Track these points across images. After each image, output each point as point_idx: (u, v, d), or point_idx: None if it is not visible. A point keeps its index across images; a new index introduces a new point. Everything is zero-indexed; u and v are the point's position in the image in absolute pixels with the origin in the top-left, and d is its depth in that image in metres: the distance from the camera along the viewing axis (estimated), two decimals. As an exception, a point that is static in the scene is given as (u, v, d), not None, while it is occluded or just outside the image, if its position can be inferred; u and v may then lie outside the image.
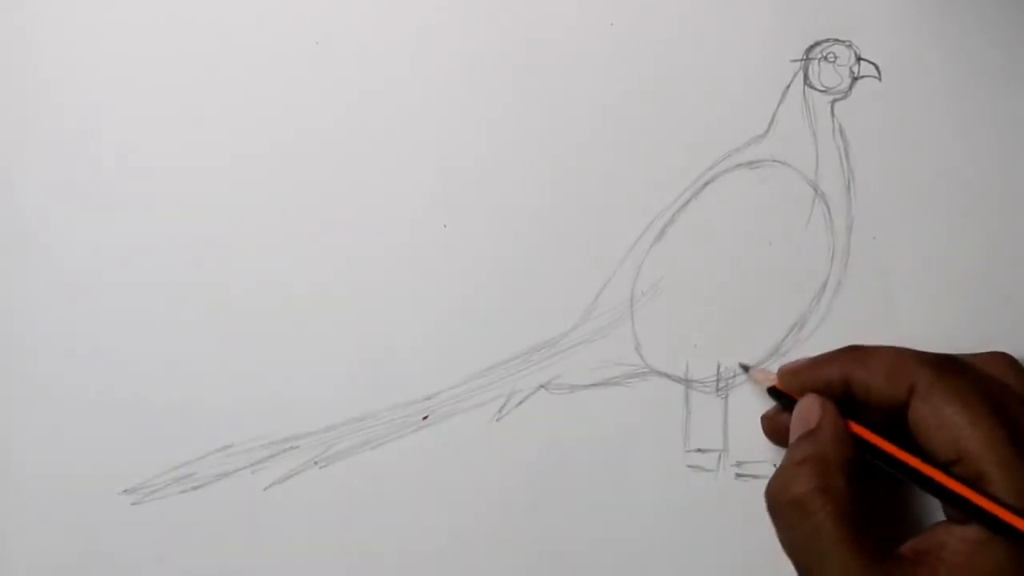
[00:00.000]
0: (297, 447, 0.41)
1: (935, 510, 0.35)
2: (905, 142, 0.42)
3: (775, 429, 0.39)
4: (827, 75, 0.42)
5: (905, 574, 0.33)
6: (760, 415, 0.40)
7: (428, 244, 0.42)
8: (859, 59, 0.42)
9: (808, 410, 0.36)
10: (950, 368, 0.35)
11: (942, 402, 0.34)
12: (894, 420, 0.35)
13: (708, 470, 0.41)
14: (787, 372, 0.38)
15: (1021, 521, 0.32)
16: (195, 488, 0.41)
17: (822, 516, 0.33)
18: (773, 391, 0.38)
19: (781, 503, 0.34)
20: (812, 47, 0.42)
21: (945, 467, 0.34)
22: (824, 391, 0.36)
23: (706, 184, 0.42)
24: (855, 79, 0.42)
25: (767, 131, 0.42)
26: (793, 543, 0.34)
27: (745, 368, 0.40)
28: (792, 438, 0.36)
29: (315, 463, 0.41)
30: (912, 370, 0.34)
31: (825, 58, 0.42)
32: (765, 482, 0.40)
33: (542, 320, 0.41)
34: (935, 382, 0.34)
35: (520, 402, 0.41)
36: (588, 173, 0.42)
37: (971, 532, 0.33)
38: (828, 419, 0.35)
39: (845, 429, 0.35)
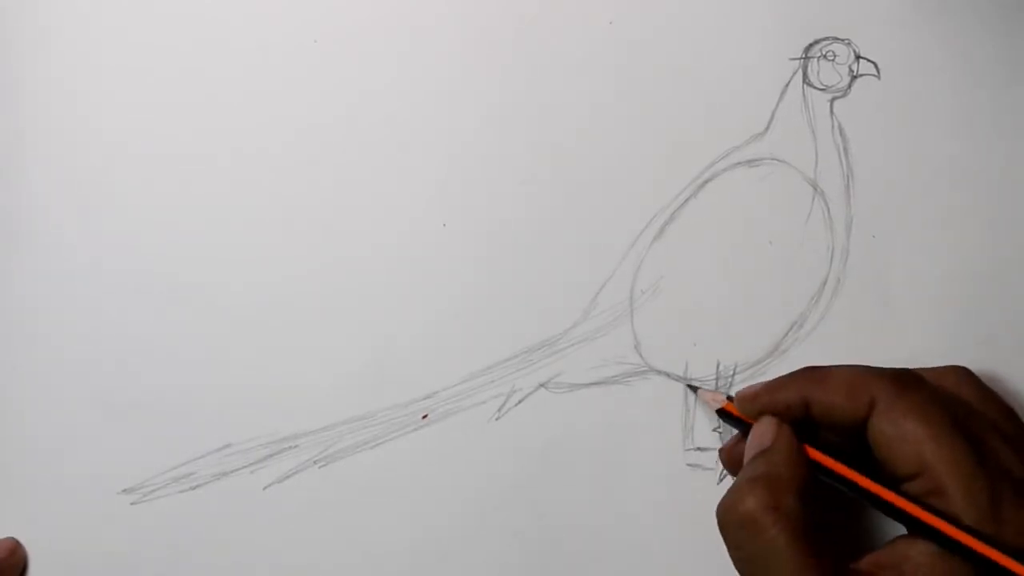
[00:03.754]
0: (296, 446, 0.41)
1: (898, 529, 0.35)
2: (904, 140, 0.42)
3: (733, 460, 0.38)
4: (826, 73, 0.42)
5: None
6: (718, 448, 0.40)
7: (427, 243, 0.42)
8: (858, 57, 0.42)
9: (763, 431, 0.35)
10: (909, 383, 0.34)
11: (902, 417, 0.33)
12: (855, 438, 0.35)
13: (708, 469, 0.41)
14: (745, 398, 0.37)
15: (974, 540, 0.31)
16: (194, 488, 0.41)
17: (774, 533, 0.32)
18: (722, 413, 0.38)
19: (731, 520, 0.33)
20: (811, 45, 0.42)
21: (899, 485, 0.33)
22: (784, 414, 0.36)
23: (705, 182, 0.42)
24: (854, 77, 0.42)
25: (766, 129, 0.42)
26: (744, 561, 0.33)
27: (694, 389, 0.40)
28: (746, 459, 0.35)
29: (314, 462, 0.41)
30: (871, 386, 0.34)
31: (824, 56, 0.42)
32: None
33: (542, 319, 0.41)
34: (895, 397, 0.34)
35: (520, 401, 0.41)
36: (587, 172, 0.42)
37: (933, 545, 0.32)
38: (782, 439, 0.35)
39: (799, 449, 0.35)
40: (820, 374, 0.36)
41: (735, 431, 0.38)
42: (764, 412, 0.36)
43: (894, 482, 0.34)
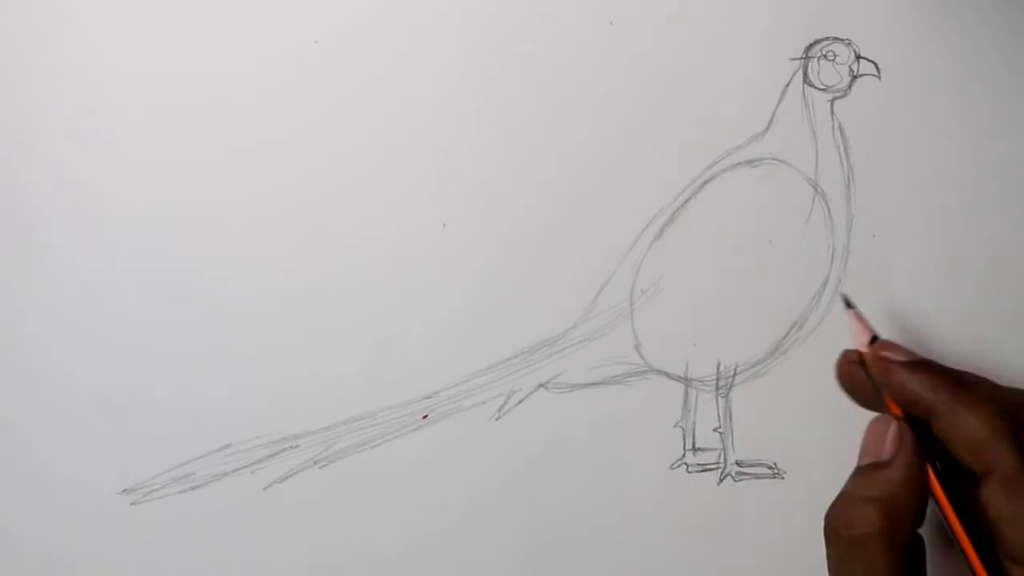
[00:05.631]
0: (297, 446, 0.41)
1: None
2: (905, 140, 0.42)
3: (851, 379, 0.37)
4: (827, 73, 0.42)
5: None
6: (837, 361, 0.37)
7: (427, 243, 0.42)
8: (859, 57, 0.42)
9: (883, 434, 0.34)
10: None
11: (1020, 508, 0.32)
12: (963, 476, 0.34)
13: (708, 469, 0.41)
14: (879, 357, 0.35)
15: None
16: (194, 488, 0.41)
17: (879, 561, 0.32)
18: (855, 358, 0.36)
19: (842, 536, 0.33)
20: (811, 45, 0.42)
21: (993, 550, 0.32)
22: (905, 406, 0.34)
23: (706, 183, 0.42)
24: (855, 77, 0.42)
25: (767, 129, 0.42)
26: (840, 570, 0.33)
27: (849, 304, 0.38)
28: (862, 458, 0.35)
29: (315, 462, 0.41)
30: (998, 454, 0.32)
31: (825, 56, 0.42)
32: (764, 482, 0.40)
33: (542, 319, 0.41)
34: (1017, 477, 0.32)
35: (520, 401, 0.41)
36: (588, 172, 0.42)
37: None
38: (903, 456, 0.34)
39: (919, 471, 0.33)
40: (962, 399, 0.33)
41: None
42: (890, 387, 0.34)
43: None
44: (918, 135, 0.42)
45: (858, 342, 0.37)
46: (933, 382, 0.34)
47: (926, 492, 0.34)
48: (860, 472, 0.34)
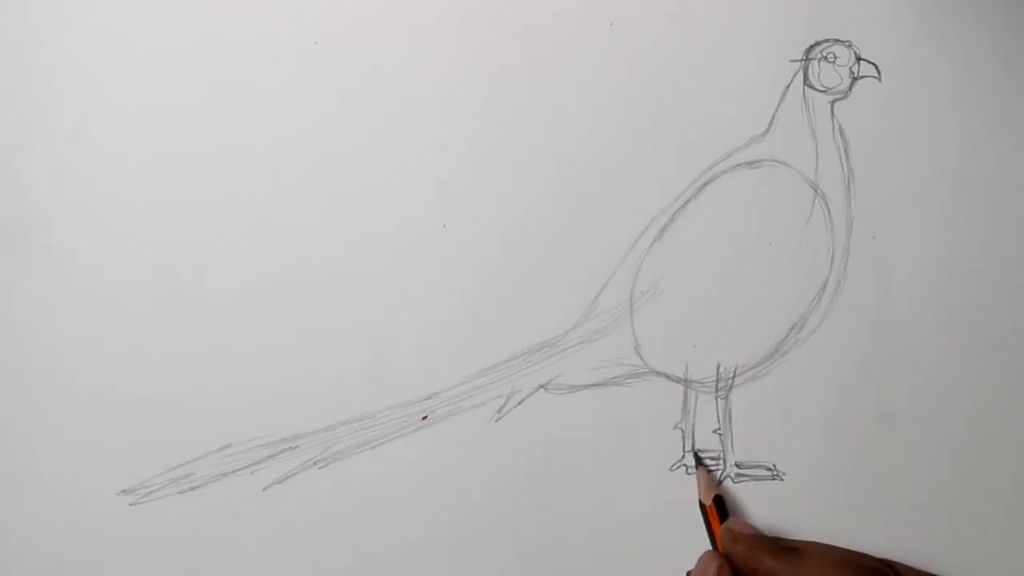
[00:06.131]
0: (296, 447, 0.41)
1: None
2: (905, 142, 0.42)
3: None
4: (827, 75, 0.42)
5: None
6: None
7: (427, 244, 0.42)
8: (859, 59, 0.42)
9: (707, 567, 0.38)
10: None
11: None
12: None
13: (707, 470, 0.41)
14: (729, 531, 0.39)
15: None
16: (193, 488, 0.41)
17: None
18: (703, 507, 0.40)
19: None
20: (812, 47, 0.42)
21: None
22: (745, 571, 0.38)
23: (706, 184, 0.42)
24: (855, 79, 0.42)
25: (767, 131, 0.42)
26: None
27: (699, 461, 0.41)
28: None
29: (314, 463, 0.41)
30: None
31: (825, 58, 0.42)
32: (764, 483, 0.40)
33: (542, 320, 0.41)
34: None
35: (520, 402, 0.41)
36: (588, 173, 0.42)
37: None
38: None
39: None
40: (797, 557, 0.37)
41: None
42: (734, 556, 0.38)
43: None
44: (918, 136, 0.42)
45: (702, 496, 0.40)
46: (773, 550, 0.38)
47: None
48: None
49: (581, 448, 0.41)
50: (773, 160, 0.42)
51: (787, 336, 0.41)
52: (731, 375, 0.41)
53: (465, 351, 0.41)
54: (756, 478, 0.40)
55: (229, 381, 0.42)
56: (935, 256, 0.41)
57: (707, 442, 0.41)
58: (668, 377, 0.41)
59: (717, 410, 0.41)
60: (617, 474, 0.41)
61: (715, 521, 0.39)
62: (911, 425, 0.40)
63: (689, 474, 0.41)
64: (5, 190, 0.43)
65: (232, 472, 0.41)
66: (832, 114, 0.42)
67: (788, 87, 0.42)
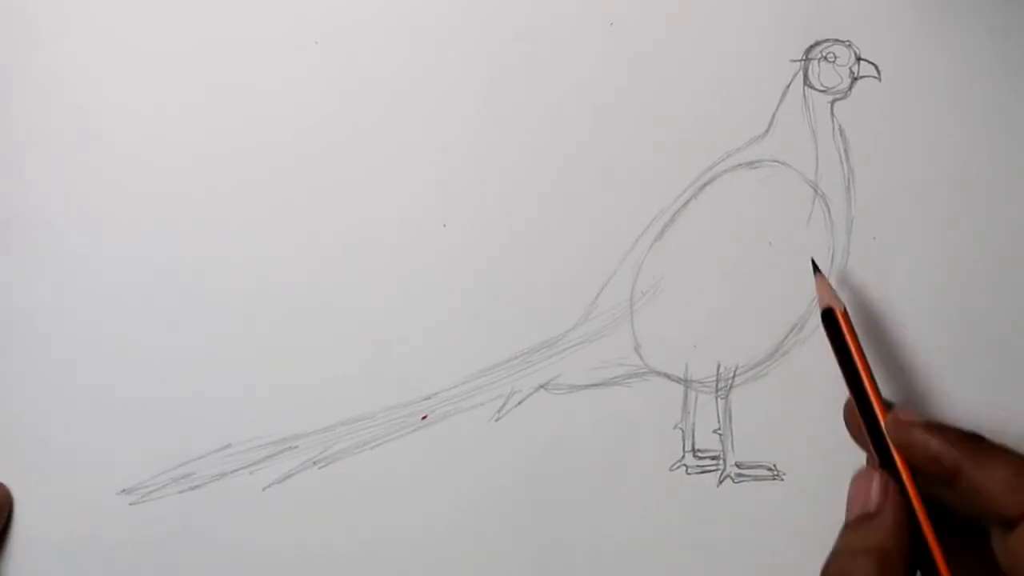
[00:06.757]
0: (296, 447, 0.41)
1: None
2: (905, 142, 0.42)
3: (857, 429, 0.38)
4: (827, 75, 0.42)
5: None
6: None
7: (427, 244, 0.42)
8: (859, 59, 0.42)
9: (868, 487, 0.35)
10: None
11: None
12: (979, 523, 0.34)
13: (707, 471, 0.41)
14: (901, 422, 0.35)
15: None
16: (193, 488, 0.41)
17: None
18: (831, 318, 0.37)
19: None
20: (812, 47, 0.42)
21: None
22: (923, 464, 0.34)
23: (706, 184, 0.42)
24: (855, 79, 0.42)
25: (767, 131, 0.42)
26: None
27: (816, 268, 0.39)
28: (849, 511, 0.35)
29: (314, 463, 0.41)
30: None
31: (825, 58, 0.42)
32: (764, 484, 0.40)
33: (542, 320, 0.41)
34: None
35: (519, 402, 0.41)
36: (588, 173, 0.42)
37: None
38: (891, 507, 0.34)
39: (907, 518, 0.34)
40: (985, 451, 0.34)
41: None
42: (910, 447, 0.35)
43: None
44: (918, 136, 0.42)
45: (821, 304, 0.38)
46: (955, 438, 0.34)
47: (916, 538, 0.34)
48: (849, 527, 0.35)
49: (581, 448, 0.41)
50: (773, 160, 0.42)
51: (787, 336, 0.41)
52: (731, 375, 0.41)
53: (465, 351, 0.41)
54: (756, 478, 0.40)
55: (229, 381, 0.42)
56: (935, 256, 0.41)
57: (707, 442, 0.41)
58: (668, 377, 0.41)
59: (717, 410, 0.41)
60: (617, 474, 0.41)
61: (852, 337, 0.36)
62: (911, 425, 0.40)
63: (689, 474, 0.41)
64: (5, 190, 0.43)
65: (232, 472, 0.41)
66: (832, 114, 0.42)
67: (788, 87, 0.42)
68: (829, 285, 0.38)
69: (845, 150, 0.42)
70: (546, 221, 0.42)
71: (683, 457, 0.41)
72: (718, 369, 0.41)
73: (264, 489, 0.41)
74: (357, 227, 0.42)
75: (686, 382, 0.41)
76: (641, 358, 0.41)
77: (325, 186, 0.42)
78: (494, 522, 0.41)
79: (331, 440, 0.41)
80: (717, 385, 0.41)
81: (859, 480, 0.35)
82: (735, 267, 0.41)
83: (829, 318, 0.37)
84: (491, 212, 0.42)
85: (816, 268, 0.39)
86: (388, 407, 0.41)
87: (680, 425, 0.41)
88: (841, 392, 0.37)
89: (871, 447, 0.36)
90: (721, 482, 0.40)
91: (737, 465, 0.41)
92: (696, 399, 0.41)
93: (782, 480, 0.40)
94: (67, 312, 0.42)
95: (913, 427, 0.35)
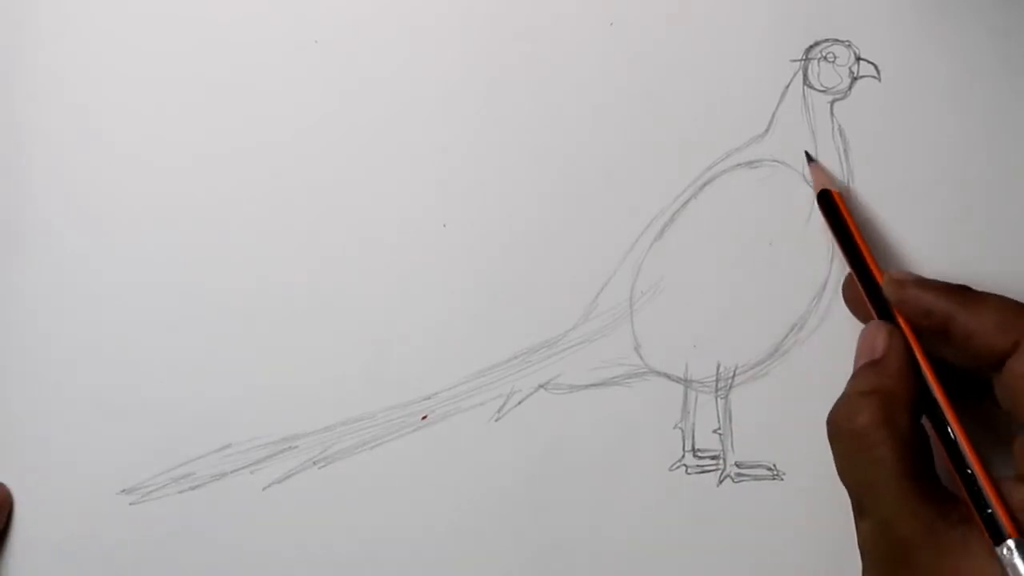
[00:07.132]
0: (296, 447, 0.41)
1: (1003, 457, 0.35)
2: (905, 142, 0.42)
3: (855, 300, 0.39)
4: (827, 75, 0.42)
5: (961, 516, 0.32)
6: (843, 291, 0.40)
7: (427, 244, 0.42)
8: (859, 59, 0.42)
9: (874, 337, 0.36)
10: None
11: None
12: (980, 375, 0.35)
13: (707, 471, 0.41)
14: (894, 280, 0.36)
15: None
16: (193, 488, 0.41)
17: (883, 450, 0.33)
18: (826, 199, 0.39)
19: (844, 432, 0.34)
20: (811, 47, 0.42)
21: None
22: (918, 318, 0.35)
23: (705, 184, 0.42)
24: (855, 79, 0.42)
25: (766, 131, 0.42)
26: (850, 473, 0.34)
27: (810, 158, 0.40)
28: (857, 363, 0.36)
29: (314, 463, 0.41)
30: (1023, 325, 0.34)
31: (824, 58, 0.42)
32: (764, 484, 0.40)
33: (541, 320, 0.41)
34: None
35: (519, 402, 0.41)
36: (587, 173, 0.42)
37: None
38: (895, 351, 0.35)
39: (911, 363, 0.35)
40: (974, 297, 0.35)
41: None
42: (903, 303, 0.36)
43: (1017, 429, 0.33)
44: (918, 136, 0.42)
45: (816, 187, 0.39)
46: (945, 289, 0.36)
47: (921, 382, 0.35)
48: (856, 374, 0.36)
49: (581, 448, 0.41)
50: (773, 160, 0.42)
51: (787, 336, 0.41)
52: (731, 375, 0.41)
53: (465, 351, 0.41)
54: (756, 478, 0.40)
55: (229, 381, 0.42)
56: (935, 256, 0.41)
57: (707, 442, 0.41)
58: (668, 377, 0.41)
59: (717, 410, 0.41)
60: (617, 474, 0.41)
61: (848, 217, 0.38)
62: (911, 425, 0.40)
63: (689, 474, 0.41)
64: (5, 190, 0.43)
65: (232, 472, 0.41)
66: (832, 114, 0.42)
67: (787, 87, 0.42)
68: (824, 169, 0.39)
69: (845, 150, 0.42)
70: (546, 221, 0.42)
71: (683, 457, 0.41)
72: (718, 369, 0.41)
73: (264, 489, 0.41)
74: (357, 227, 0.42)
75: (686, 382, 0.41)
76: (641, 358, 0.41)
77: (325, 186, 0.42)
78: (494, 522, 0.41)
79: (331, 440, 0.41)
80: (717, 385, 0.41)
81: (866, 332, 0.36)
82: (735, 267, 0.41)
83: (826, 199, 0.39)
84: (491, 212, 0.42)
85: (810, 158, 0.40)
86: (388, 407, 0.41)
87: (680, 425, 0.41)
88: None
89: (874, 313, 0.37)
90: (721, 482, 0.40)
91: (737, 465, 0.41)
92: (696, 399, 0.41)
93: (782, 480, 0.40)
94: (67, 312, 0.42)
95: (907, 284, 0.36)
